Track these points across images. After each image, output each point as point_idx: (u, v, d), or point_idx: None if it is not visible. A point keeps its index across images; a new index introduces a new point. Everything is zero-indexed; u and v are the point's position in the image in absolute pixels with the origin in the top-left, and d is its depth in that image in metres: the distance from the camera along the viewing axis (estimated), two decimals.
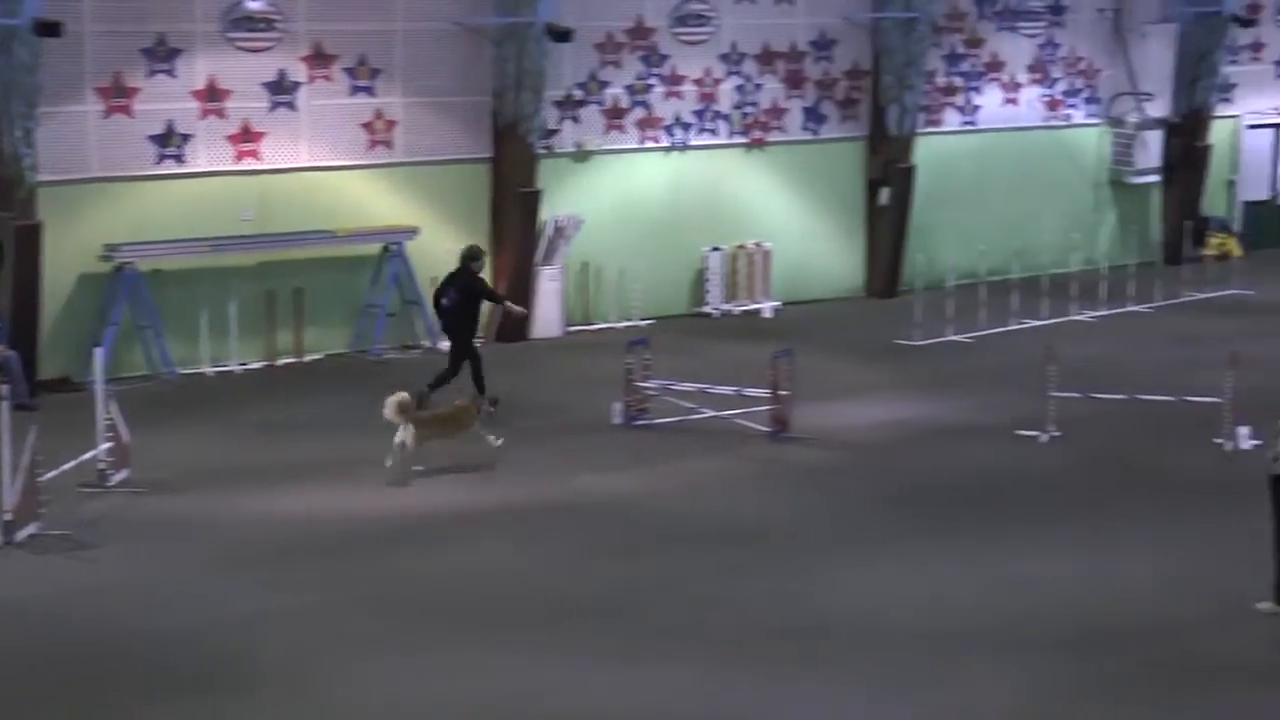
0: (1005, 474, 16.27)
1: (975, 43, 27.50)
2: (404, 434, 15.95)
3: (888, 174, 26.09)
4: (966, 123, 27.52)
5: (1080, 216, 28.53)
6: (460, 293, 18.70)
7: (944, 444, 17.43)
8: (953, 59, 27.29)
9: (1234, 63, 30.32)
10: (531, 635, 12.04)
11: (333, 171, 22.02)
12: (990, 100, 27.71)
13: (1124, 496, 15.44)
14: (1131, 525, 14.52)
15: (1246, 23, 29.87)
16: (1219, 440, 17.03)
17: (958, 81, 27.37)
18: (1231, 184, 30.83)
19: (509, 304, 19.58)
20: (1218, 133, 29.98)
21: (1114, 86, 28.89)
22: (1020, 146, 27.97)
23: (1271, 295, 26.24)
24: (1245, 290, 26.46)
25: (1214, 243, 29.56)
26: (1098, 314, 24.57)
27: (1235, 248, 29.63)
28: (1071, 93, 28.62)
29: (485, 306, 19.47)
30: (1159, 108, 28.74)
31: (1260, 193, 31.38)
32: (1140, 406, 18.32)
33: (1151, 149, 28.73)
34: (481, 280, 18.92)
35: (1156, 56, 28.55)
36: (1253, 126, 31.00)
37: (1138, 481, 15.95)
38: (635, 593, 12.97)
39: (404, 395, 16.20)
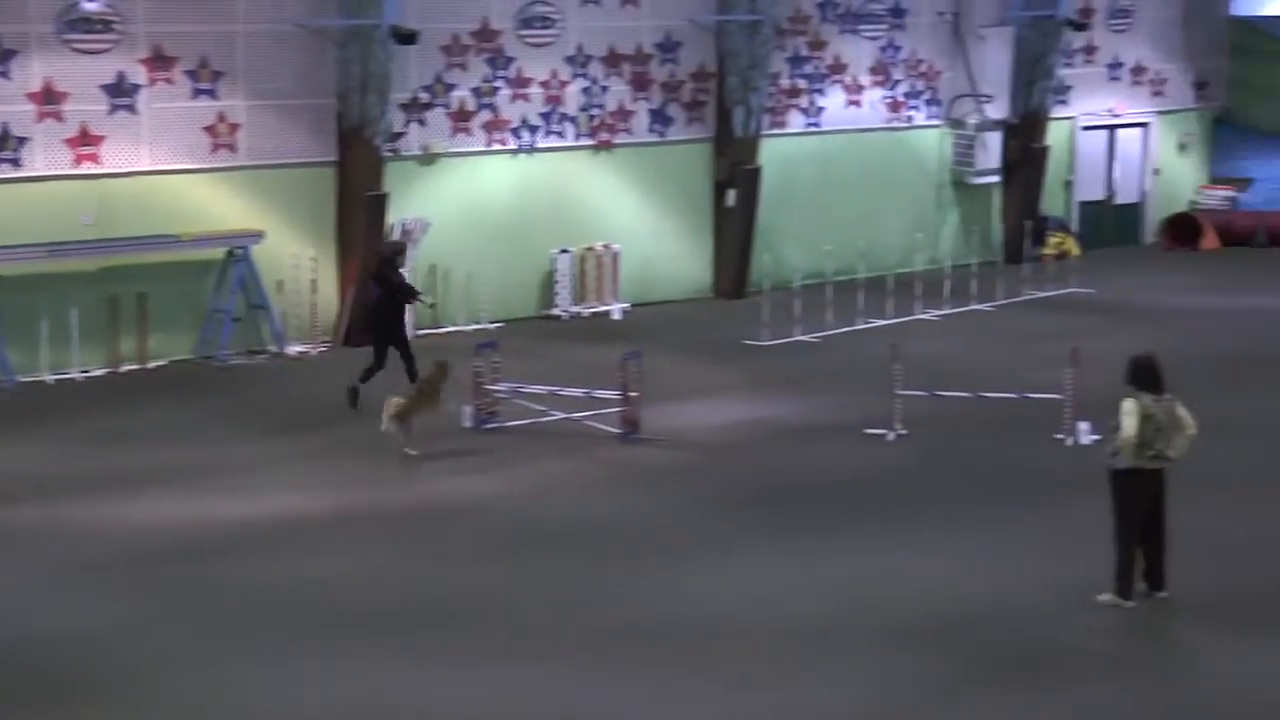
0: (853, 472, 16.44)
1: (818, 45, 27.77)
2: (390, 424, 16.94)
3: (734, 175, 26.26)
4: (811, 125, 27.78)
5: (923, 217, 28.93)
6: (382, 287, 18.97)
7: (793, 443, 17.58)
8: (796, 61, 27.54)
9: (1069, 66, 30.93)
10: (381, 641, 11.95)
11: (175, 175, 21.70)
12: (834, 102, 28.00)
13: (968, 492, 15.67)
14: (976, 520, 14.74)
15: (1080, 26, 30.47)
16: (1060, 436, 17.34)
17: (802, 84, 27.62)
18: (1069, 184, 31.45)
19: (421, 295, 19.70)
20: (1055, 134, 30.55)
21: (954, 88, 29.33)
22: (864, 148, 28.29)
23: (1109, 293, 26.80)
24: (1084, 289, 26.99)
25: (1053, 242, 30.11)
26: (941, 313, 24.92)
27: (1073, 247, 30.21)
28: (913, 95, 29.01)
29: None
30: (998, 109, 29.22)
31: (1096, 193, 32.05)
32: (984, 404, 18.61)
33: (991, 150, 29.21)
34: (395, 274, 19.15)
35: (994, 59, 29.02)
36: (1087, 128, 31.65)
37: (982, 477, 16.19)
38: (487, 596, 12.92)
39: (392, 401, 17.07)
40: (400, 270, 19.26)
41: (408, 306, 19.65)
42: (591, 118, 25.42)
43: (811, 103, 27.76)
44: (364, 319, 19.27)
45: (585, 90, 25.33)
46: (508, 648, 11.84)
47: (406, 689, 11.14)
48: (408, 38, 22.62)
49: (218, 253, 21.86)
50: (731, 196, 26.32)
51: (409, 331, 20.04)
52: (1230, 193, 33.00)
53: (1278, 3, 31.32)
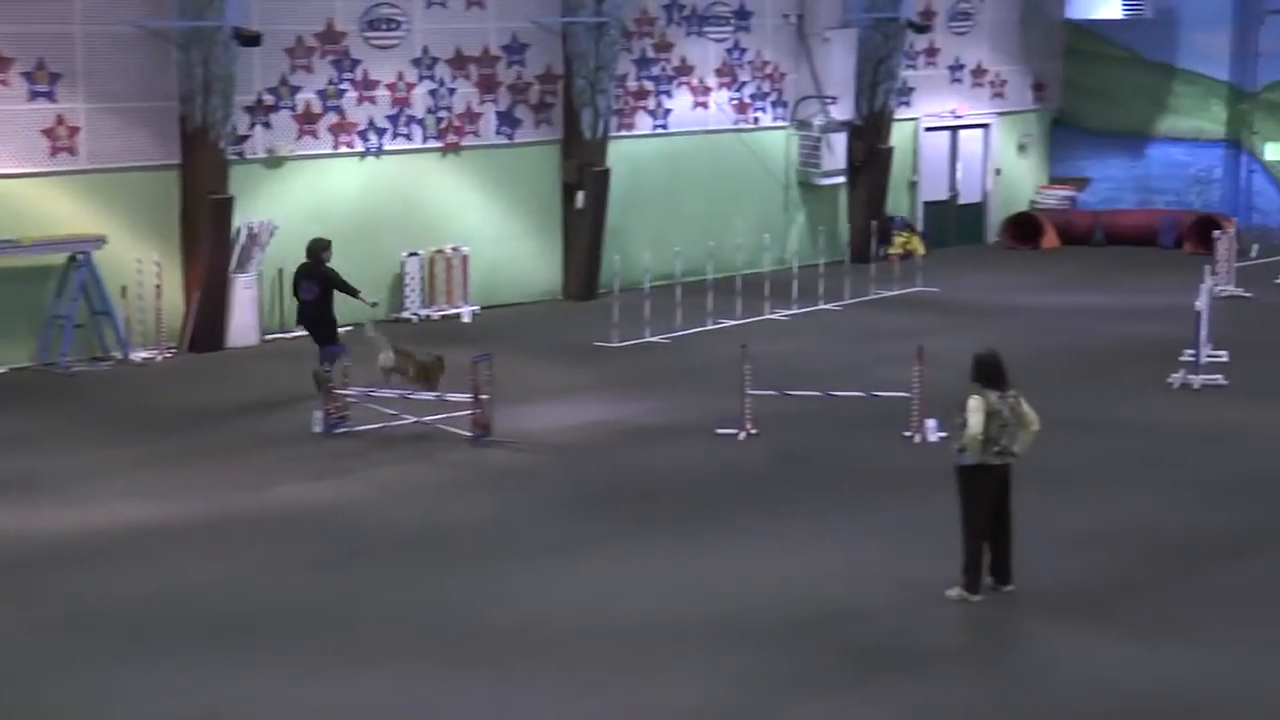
0: (706, 472, 16.51)
1: (665, 47, 27.87)
2: (385, 357, 18.61)
3: (583, 177, 26.27)
4: (659, 126, 27.88)
5: (771, 217, 29.14)
6: (318, 284, 19.14)
7: (645, 444, 17.61)
8: (643, 63, 27.62)
9: (911, 67, 31.34)
10: (227, 650, 11.77)
11: (13, 179, 21.24)
12: (681, 104, 28.12)
13: (819, 491, 15.80)
14: (826, 518, 14.87)
15: (921, 29, 30.88)
16: (907, 434, 17.56)
17: (649, 85, 27.71)
18: (913, 184, 31.86)
19: (362, 295, 19.62)
20: (899, 135, 30.94)
21: (799, 90, 29.59)
22: (711, 149, 28.44)
23: (954, 292, 27.18)
24: (929, 288, 27.35)
25: (898, 242, 30.48)
26: (790, 313, 25.12)
27: (919, 246, 30.61)
28: (759, 96, 29.22)
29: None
30: (843, 111, 29.52)
31: (940, 193, 32.50)
32: (833, 403, 18.78)
33: (837, 151, 29.50)
34: (333, 270, 19.27)
35: (838, 61, 29.31)
36: (930, 129, 32.09)
37: (832, 476, 16.33)
38: (337, 603, 12.79)
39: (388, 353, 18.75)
40: (331, 265, 19.30)
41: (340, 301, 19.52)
42: (439, 120, 25.29)
43: (659, 104, 27.86)
44: (301, 314, 19.46)
45: (432, 92, 25.20)
46: (357, 654, 11.73)
47: (250, 697, 10.99)
48: (251, 39, 22.34)
49: (59, 258, 21.43)
50: (580, 198, 26.32)
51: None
52: (1069, 192, 33.65)
53: (1109, 7, 31.97)
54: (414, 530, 14.65)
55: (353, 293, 19.42)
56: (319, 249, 19.38)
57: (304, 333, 19.83)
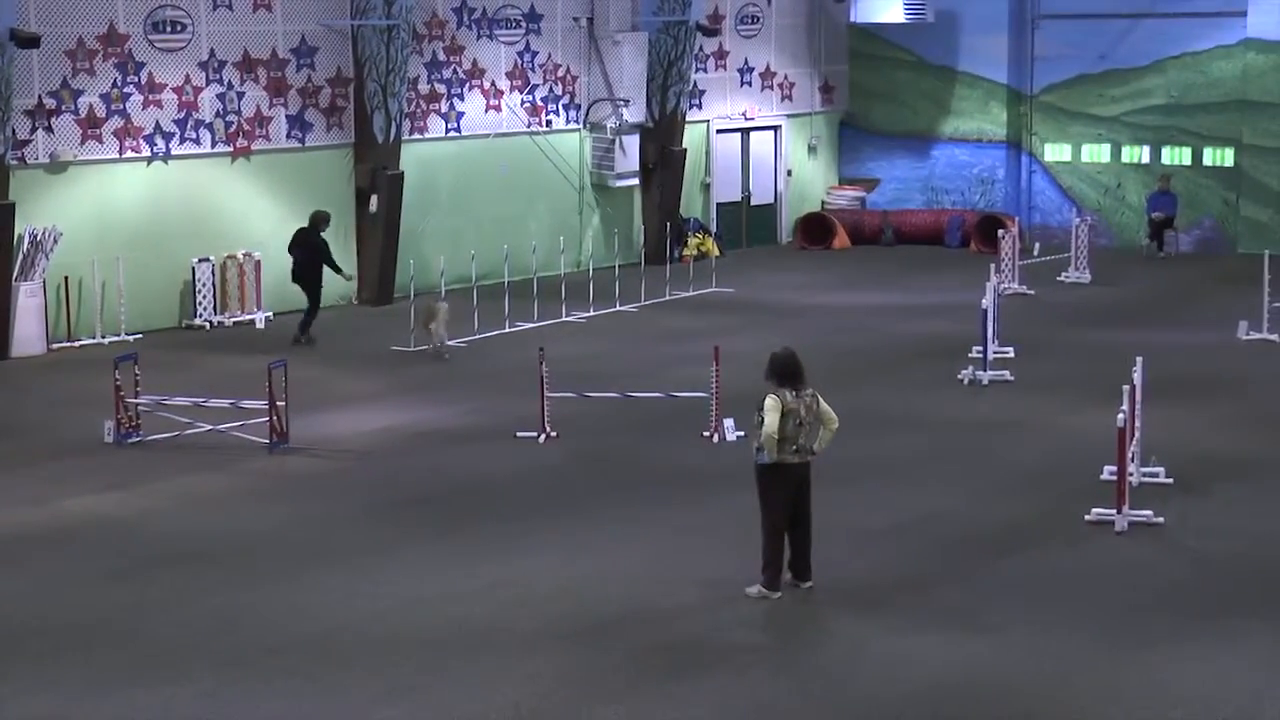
0: (506, 475, 16.48)
1: (456, 50, 27.79)
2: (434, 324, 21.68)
3: (376, 181, 26.08)
4: (451, 130, 27.79)
5: (566, 220, 29.21)
6: (307, 252, 22.78)
7: (444, 448, 17.54)
8: (435, 66, 27.51)
9: (702, 70, 31.64)
10: (19, 666, 11.46)
11: None
12: (473, 107, 28.06)
13: (619, 492, 15.86)
14: (627, 519, 14.94)
15: (710, 32, 31.19)
16: (706, 433, 17.71)
17: (441, 88, 27.60)
18: (706, 186, 32.17)
19: (344, 272, 23.16)
20: (691, 137, 31.22)
21: (591, 93, 29.70)
22: (505, 152, 28.42)
23: (749, 292, 27.50)
24: (724, 288, 27.63)
25: (693, 243, 30.76)
26: (587, 315, 25.20)
27: (713, 248, 30.91)
28: (552, 99, 29.27)
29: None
30: (635, 113, 29.70)
31: (733, 194, 32.86)
32: (632, 404, 18.89)
33: (630, 153, 29.67)
34: (325, 245, 22.90)
35: (629, 64, 29.48)
36: (722, 131, 32.43)
37: (632, 477, 16.41)
38: (134, 617, 12.53)
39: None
40: (325, 239, 22.94)
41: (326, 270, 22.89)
42: (228, 124, 24.92)
43: (451, 107, 27.77)
44: (294, 272, 22.99)
45: (220, 96, 24.82)
46: (156, 668, 11.50)
47: (44, 714, 10.72)
48: (29, 41, 21.80)
49: None
50: (374, 203, 26.13)
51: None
52: (859, 193, 34.24)
53: (892, 11, 32.60)
54: (212, 540, 14.41)
55: (335, 268, 22.88)
56: (318, 220, 22.91)
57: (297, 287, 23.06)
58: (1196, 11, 31.42)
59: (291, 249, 23.17)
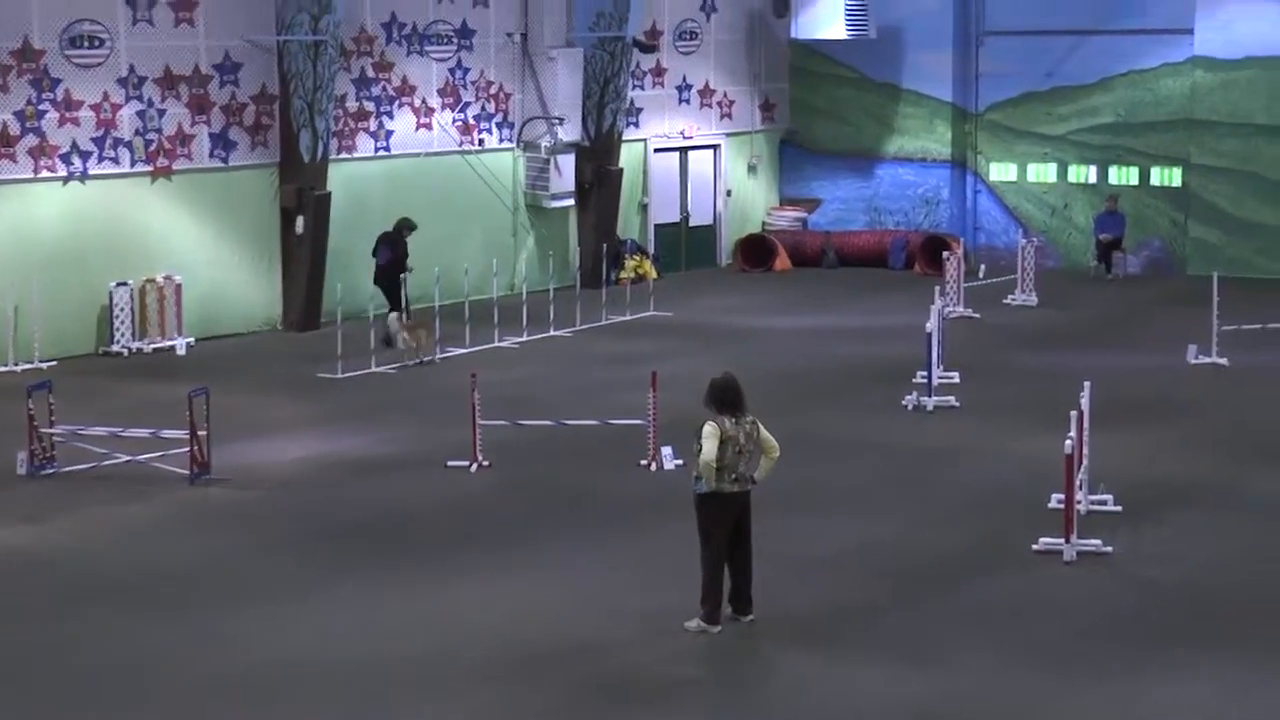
0: (438, 506, 16.43)
1: (385, 66, 27.75)
2: (402, 337, 23.23)
3: (302, 202, 25.99)
4: (381, 148, 27.73)
5: (499, 241, 29.18)
6: (391, 250, 24.99)
7: (374, 478, 17.47)
8: (363, 83, 27.46)
9: (639, 87, 31.71)
10: None
11: None
12: (403, 125, 28.02)
13: (555, 522, 15.84)
14: (563, 550, 14.91)
15: (647, 48, 31.26)
16: (644, 462, 17.71)
17: (369, 106, 27.55)
18: (644, 207, 32.22)
19: (409, 270, 24.97)
20: (628, 156, 31.28)
21: (525, 111, 29.72)
22: (436, 172, 28.39)
23: (688, 315, 27.53)
24: (662, 312, 27.67)
25: (630, 265, 30.78)
26: (521, 340, 25.18)
27: (650, 270, 30.93)
28: (484, 117, 29.26)
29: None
30: (570, 132, 29.72)
31: (671, 215, 32.91)
32: (567, 432, 18.87)
33: (565, 173, 29.68)
34: (406, 246, 25.18)
35: (564, 81, 29.51)
36: (660, 150, 32.50)
37: (568, 506, 16.38)
38: (47, 655, 12.40)
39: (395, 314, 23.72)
40: (406, 242, 25.18)
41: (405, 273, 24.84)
42: (148, 143, 24.78)
43: (380, 126, 27.72)
44: (377, 274, 25.06)
45: (140, 114, 24.69)
46: (73, 708, 11.38)
47: None
48: None
49: None
50: (300, 224, 26.04)
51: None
52: (800, 214, 34.37)
53: (834, 27, 32.73)
54: (133, 575, 14.29)
55: (406, 268, 24.92)
56: (406, 226, 25.22)
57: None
58: (1144, 29, 31.75)
59: (376, 250, 25.17)
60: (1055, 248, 32.81)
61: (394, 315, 23.77)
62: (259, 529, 15.69)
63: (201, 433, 17.27)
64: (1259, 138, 30.95)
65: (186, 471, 17.26)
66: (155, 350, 24.36)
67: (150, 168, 24.86)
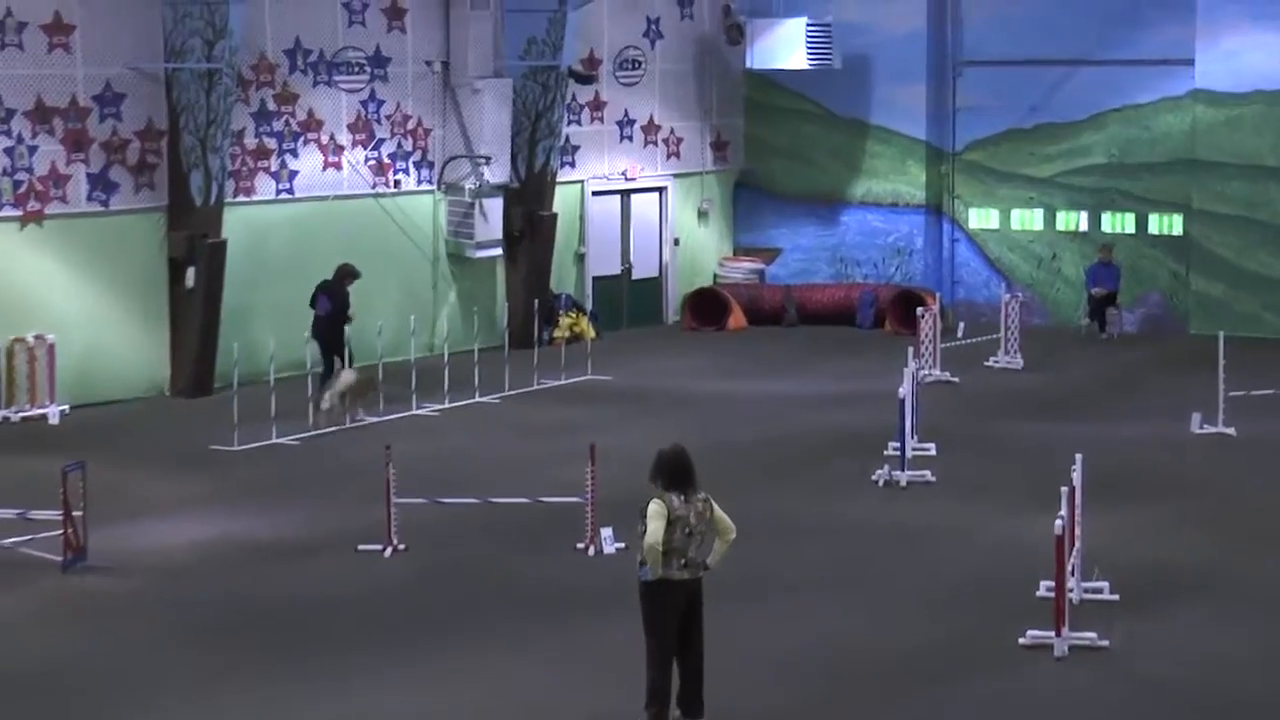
0: (346, 596, 16.37)
1: (288, 98, 27.78)
2: (331, 399, 23.79)
3: (194, 251, 25.94)
4: (283, 191, 27.73)
5: (417, 296, 29.17)
6: (331, 301, 24.88)
7: (274, 565, 17.39)
8: (264, 117, 27.47)
9: (575, 123, 31.83)
10: None
11: None
12: (309, 164, 28.03)
13: (481, 613, 15.80)
14: (491, 644, 14.87)
15: (584, 79, 31.40)
16: (581, 545, 17.70)
17: (270, 143, 27.56)
18: (581, 257, 32.28)
19: (350, 321, 25.07)
20: (562, 200, 31.36)
21: (447, 149, 29.78)
22: (346, 216, 28.38)
23: (630, 379, 27.56)
24: (601, 375, 27.68)
25: (565, 323, 30.81)
26: (441, 407, 25.15)
27: (588, 329, 30.97)
28: (401, 156, 29.31)
29: None
30: (498, 172, 29.79)
31: (611, 267, 32.98)
32: (494, 511, 18.84)
33: (492, 219, 29.72)
34: (347, 295, 25.09)
35: (491, 115, 29.59)
36: (598, 193, 32.60)
37: (496, 596, 16.35)
38: None
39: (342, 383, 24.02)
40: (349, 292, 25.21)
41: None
42: (17, 184, 24.72)
43: (283, 165, 27.72)
44: (315, 326, 24.87)
45: (8, 151, 24.63)
46: None
47: None
48: None
49: None
50: (191, 276, 25.98)
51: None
52: (757, 265, 34.51)
53: (794, 56, 32.86)
54: None
55: (347, 319, 25.00)
56: (344, 274, 25.16)
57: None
58: (1140, 59, 32.09)
59: (314, 301, 25.04)
60: (1042, 303, 33.04)
61: (344, 372, 24.33)
62: (142, 623, 15.59)
63: (77, 513, 17.17)
64: (1268, 180, 31.28)
65: (60, 558, 17.14)
66: (24, 419, 24.22)
67: (19, 212, 24.78)
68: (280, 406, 23.28)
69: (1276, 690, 13.73)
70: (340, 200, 28.46)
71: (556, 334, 30.50)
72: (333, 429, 23.48)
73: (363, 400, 24.28)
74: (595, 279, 32.59)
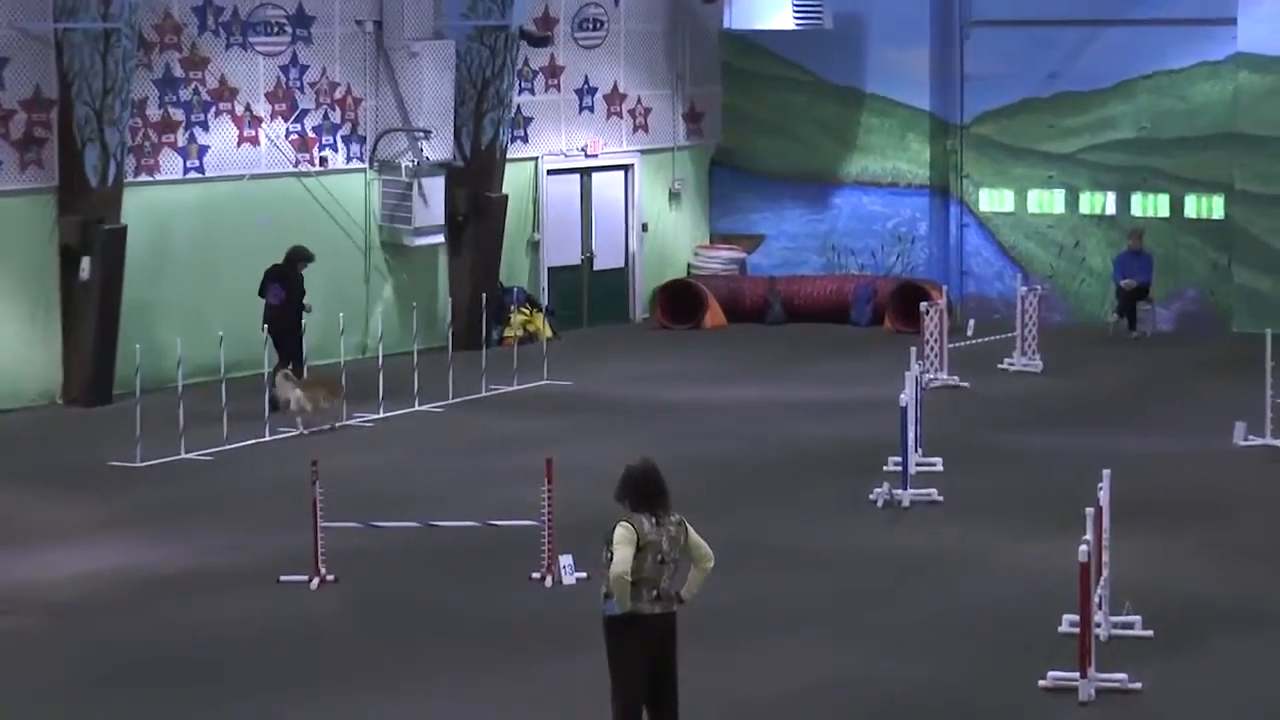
0: (268, 634, 16.34)
1: (198, 63, 27.72)
2: (296, 397, 24.06)
3: (89, 238, 25.89)
4: (192, 170, 27.67)
5: (347, 290, 29.12)
6: (286, 289, 25.45)
7: (184, 600, 17.34)
8: (169, 85, 27.40)
9: (527, 91, 31.80)
10: None
11: None
12: (222, 139, 27.97)
13: (423, 654, 15.79)
14: (435, 689, 14.87)
15: (539, 41, 31.37)
16: (537, 574, 17.69)
17: (177, 114, 27.48)
18: (535, 245, 32.26)
19: (308, 310, 25.76)
20: (514, 180, 31.34)
21: (381, 122, 29.73)
22: (264, 199, 28.33)
23: (591, 386, 27.57)
24: (560, 380, 27.67)
25: (518, 321, 30.80)
26: (376, 417, 25.14)
27: (544, 327, 30.93)
28: (328, 129, 29.26)
29: None
30: (439, 148, 29.75)
31: (570, 257, 32.96)
32: (436, 536, 18.81)
33: (433, 202, 29.69)
34: (302, 281, 25.75)
35: (431, 82, 29.57)
36: (554, 171, 32.58)
37: (440, 633, 16.33)
38: None
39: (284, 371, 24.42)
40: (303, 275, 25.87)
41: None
42: None
43: (192, 139, 27.66)
44: (267, 317, 25.33)
45: None
46: None
47: None
48: None
49: None
50: (86, 266, 25.92)
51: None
52: (737, 254, 34.52)
53: (779, 15, 32.84)
54: None
55: (305, 306, 25.65)
56: (297, 257, 25.71)
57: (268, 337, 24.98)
58: (1174, 18, 32.16)
59: (265, 289, 25.57)
60: (1064, 298, 33.12)
61: (281, 373, 24.43)
62: (31, 667, 15.54)
63: None
64: None
65: None
66: None
67: None
68: (189, 417, 23.22)
69: None
70: (258, 180, 28.40)
71: (507, 333, 30.49)
72: (306, 431, 23.70)
73: (333, 400, 24.68)
74: (552, 270, 32.60)
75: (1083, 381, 27.91)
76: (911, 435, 20.87)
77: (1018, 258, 33.60)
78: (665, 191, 34.23)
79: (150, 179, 27.19)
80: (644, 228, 33.85)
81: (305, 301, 25.61)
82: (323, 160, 29.29)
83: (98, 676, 15.36)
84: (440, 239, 30.15)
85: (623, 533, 12.68)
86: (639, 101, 33.71)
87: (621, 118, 33.51)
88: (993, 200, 33.84)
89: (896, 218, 33.95)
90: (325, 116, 29.31)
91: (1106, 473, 16.22)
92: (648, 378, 28.35)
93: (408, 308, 29.23)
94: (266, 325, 25.21)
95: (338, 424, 24.51)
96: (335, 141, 29.48)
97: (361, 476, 21.55)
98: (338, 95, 29.45)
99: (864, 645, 15.97)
